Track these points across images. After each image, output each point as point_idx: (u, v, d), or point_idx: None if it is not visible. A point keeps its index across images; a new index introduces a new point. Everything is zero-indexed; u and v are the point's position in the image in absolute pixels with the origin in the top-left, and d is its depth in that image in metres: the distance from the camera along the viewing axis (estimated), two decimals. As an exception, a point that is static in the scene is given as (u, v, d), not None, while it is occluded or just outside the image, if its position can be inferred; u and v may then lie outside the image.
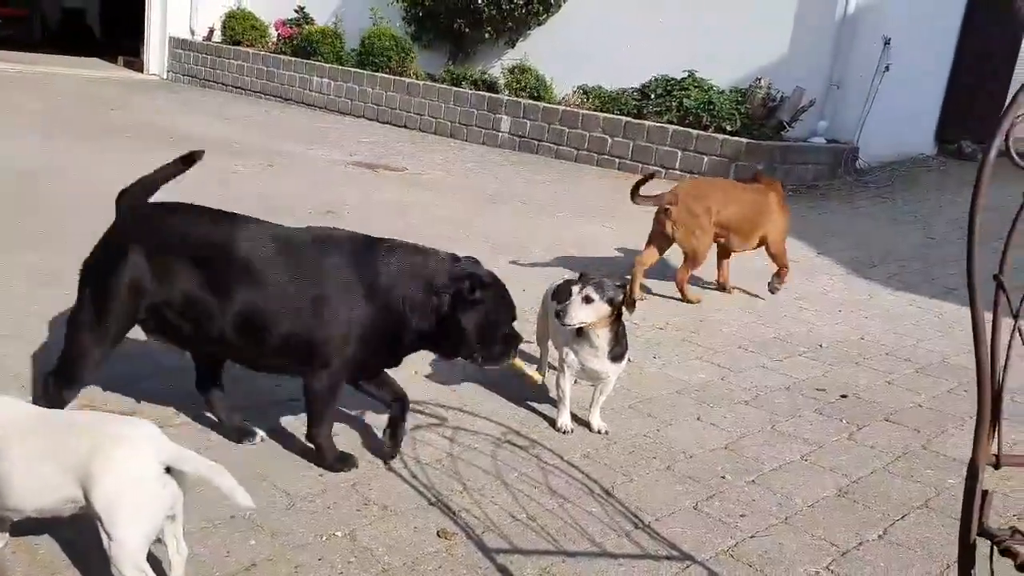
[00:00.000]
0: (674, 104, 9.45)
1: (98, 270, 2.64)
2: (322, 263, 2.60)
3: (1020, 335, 1.57)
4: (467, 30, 11.50)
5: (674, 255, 5.24)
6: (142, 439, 1.84)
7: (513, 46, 11.54)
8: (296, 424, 3.00)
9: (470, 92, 10.94)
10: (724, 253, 5.37)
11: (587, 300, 2.98)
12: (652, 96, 9.73)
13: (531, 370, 3.07)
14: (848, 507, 2.85)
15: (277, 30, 13.48)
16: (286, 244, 2.63)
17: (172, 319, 2.64)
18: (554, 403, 3.29)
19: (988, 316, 1.53)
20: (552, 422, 3.24)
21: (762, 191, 5.23)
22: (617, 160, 9.63)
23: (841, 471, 3.11)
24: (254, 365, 2.80)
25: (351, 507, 2.53)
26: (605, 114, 9.85)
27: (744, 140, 8.81)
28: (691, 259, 5.05)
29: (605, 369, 3.15)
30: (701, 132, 9.10)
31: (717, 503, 2.79)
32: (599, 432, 3.23)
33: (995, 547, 1.49)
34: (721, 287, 5.43)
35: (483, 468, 2.84)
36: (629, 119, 9.62)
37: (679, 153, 9.21)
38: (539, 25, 11.34)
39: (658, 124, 9.39)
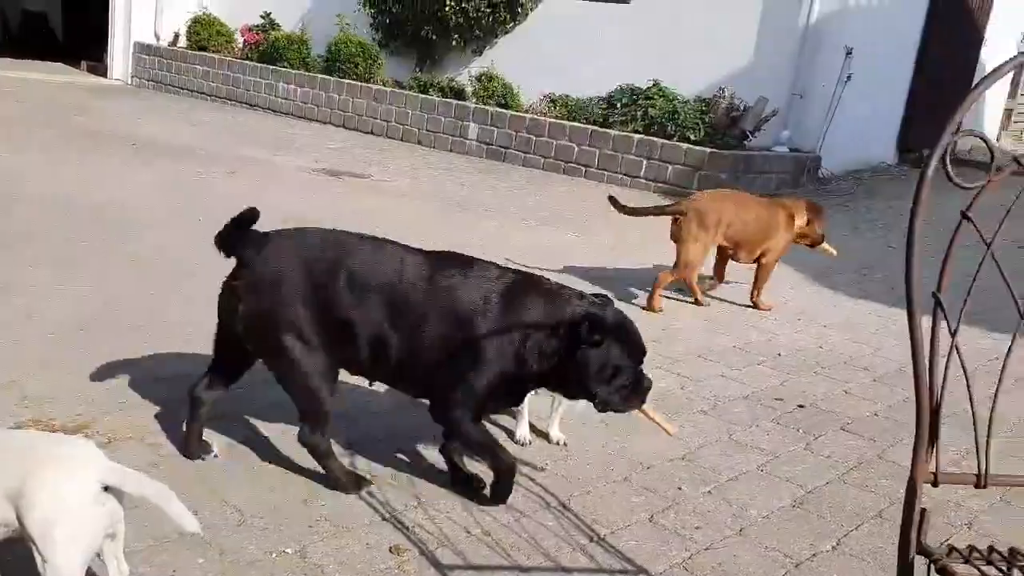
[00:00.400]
0: (639, 113, 9.52)
1: (280, 314, 2.59)
2: (454, 297, 2.57)
3: (957, 352, 1.59)
4: (435, 37, 11.50)
5: (661, 260, 5.26)
6: (79, 459, 1.80)
7: (480, 54, 11.56)
8: (253, 438, 2.97)
9: (438, 99, 10.93)
10: (725, 258, 5.47)
11: None
12: (618, 105, 9.79)
13: (661, 418, 2.79)
14: (803, 517, 2.87)
15: (243, 36, 13.39)
16: (421, 271, 2.61)
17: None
18: (513, 415, 3.28)
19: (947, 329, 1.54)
20: (511, 434, 3.23)
21: (773, 207, 5.31)
22: (584, 168, 9.66)
23: (797, 481, 3.13)
24: (374, 377, 2.81)
25: (303, 524, 2.50)
26: (572, 123, 9.89)
27: (708, 149, 8.88)
28: (681, 267, 5.12)
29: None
30: (666, 141, 9.16)
31: (673, 515, 2.79)
32: (557, 444, 3.22)
33: (932, 565, 1.50)
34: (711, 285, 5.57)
35: (439, 482, 2.82)
36: (595, 128, 9.66)
37: (644, 162, 9.26)
38: (506, 33, 11.36)
39: (624, 133, 9.44)
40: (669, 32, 9.90)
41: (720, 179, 8.66)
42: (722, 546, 2.63)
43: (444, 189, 8.37)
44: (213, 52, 13.43)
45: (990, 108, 12.96)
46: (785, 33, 9.29)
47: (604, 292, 2.91)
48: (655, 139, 9.23)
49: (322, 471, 2.73)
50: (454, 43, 11.45)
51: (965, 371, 1.56)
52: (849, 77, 9.18)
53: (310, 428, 2.64)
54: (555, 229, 7.07)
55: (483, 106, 10.57)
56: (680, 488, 2.98)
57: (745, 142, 9.20)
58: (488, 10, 10.95)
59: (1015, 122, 14.23)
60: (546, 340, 2.54)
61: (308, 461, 2.83)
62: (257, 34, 13.17)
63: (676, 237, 5.15)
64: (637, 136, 9.34)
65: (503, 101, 10.66)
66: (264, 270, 2.58)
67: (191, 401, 2.79)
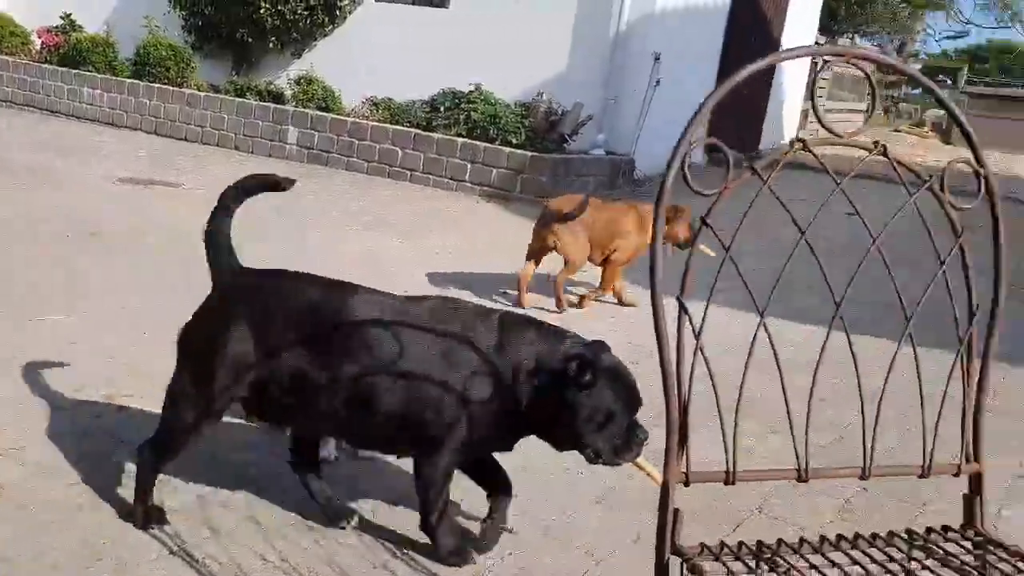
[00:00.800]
0: (462, 117, 9.59)
1: (200, 341, 2.48)
2: (436, 339, 2.41)
3: (702, 354, 1.69)
4: (250, 40, 11.16)
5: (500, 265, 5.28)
6: None
7: (299, 56, 11.31)
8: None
9: (255, 103, 10.61)
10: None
11: None
12: (441, 109, 9.82)
13: (651, 467, 2.58)
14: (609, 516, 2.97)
15: (40, 38, 12.51)
16: (400, 316, 2.45)
17: (276, 395, 2.47)
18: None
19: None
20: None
21: (626, 210, 5.50)
22: (409, 172, 9.63)
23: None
24: (362, 443, 2.70)
25: (79, 565, 2.36)
26: (395, 126, 9.83)
27: (529, 153, 9.05)
28: (572, 266, 5.34)
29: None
30: (489, 145, 9.27)
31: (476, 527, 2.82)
32: (362, 459, 3.19)
33: (684, 564, 1.58)
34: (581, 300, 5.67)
35: (236, 510, 2.73)
36: (418, 131, 9.65)
37: (468, 166, 9.34)
38: (325, 36, 11.17)
39: (447, 137, 9.48)
40: (488, 37, 10.01)
41: (541, 182, 8.86)
42: (531, 551, 2.68)
43: (261, 197, 8.10)
44: (7, 54, 12.48)
45: (788, 111, 13.90)
46: (597, 40, 9.60)
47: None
48: (478, 143, 9.33)
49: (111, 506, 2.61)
50: (271, 46, 11.15)
51: (710, 372, 1.66)
52: (658, 82, 9.60)
53: (150, 448, 2.55)
54: (380, 235, 7.01)
55: (303, 110, 10.35)
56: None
57: (565, 146, 9.44)
58: (305, 12, 10.73)
59: (811, 122, 15.34)
60: (531, 381, 2.39)
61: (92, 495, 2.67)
62: (56, 36, 12.34)
63: (545, 240, 5.28)
64: (460, 140, 9.40)
65: (324, 104, 10.47)
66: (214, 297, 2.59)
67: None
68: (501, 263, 6.13)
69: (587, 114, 9.36)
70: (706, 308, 1.74)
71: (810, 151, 1.79)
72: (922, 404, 1.81)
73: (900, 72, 1.96)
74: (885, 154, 1.81)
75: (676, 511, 1.63)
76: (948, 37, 35.74)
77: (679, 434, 1.65)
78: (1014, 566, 1.69)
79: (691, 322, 1.67)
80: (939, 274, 1.79)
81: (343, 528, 2.66)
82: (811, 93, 13.77)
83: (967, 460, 1.84)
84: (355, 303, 2.48)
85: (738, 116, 10.60)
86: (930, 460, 1.80)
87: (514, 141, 9.25)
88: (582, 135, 9.47)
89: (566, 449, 2.52)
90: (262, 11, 10.65)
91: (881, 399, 1.78)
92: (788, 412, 1.77)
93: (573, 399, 2.35)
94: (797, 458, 1.73)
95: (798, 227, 1.75)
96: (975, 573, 1.64)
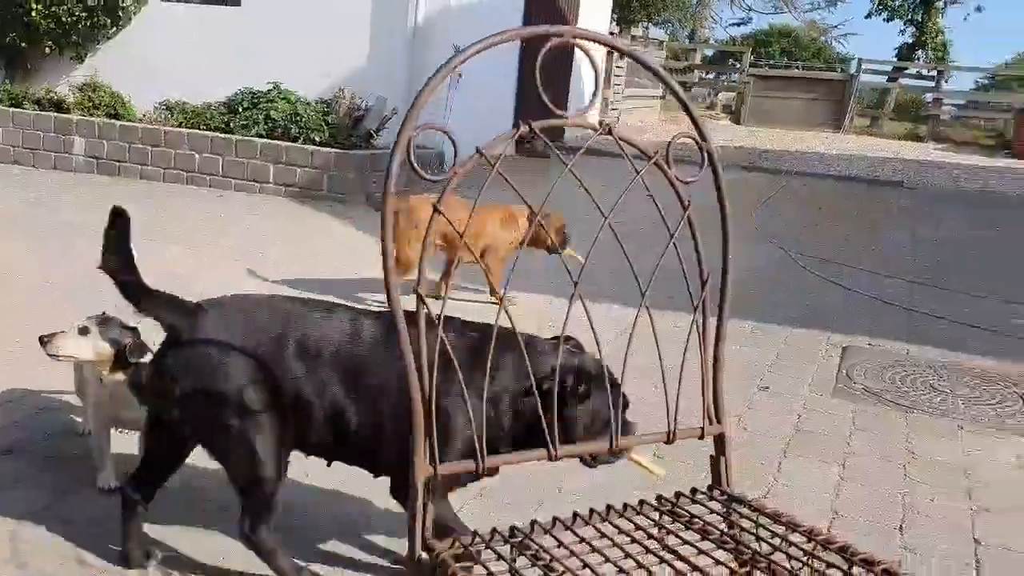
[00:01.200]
0: (262, 117, 9.28)
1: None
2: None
3: (445, 345, 1.67)
4: (24, 44, 10.33)
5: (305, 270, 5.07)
6: None
7: (82, 61, 10.60)
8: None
9: (34, 113, 9.82)
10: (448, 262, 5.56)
11: (83, 331, 2.77)
12: (239, 110, 9.47)
13: (648, 461, 2.49)
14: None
15: None
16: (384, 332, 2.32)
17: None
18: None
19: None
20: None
21: (489, 211, 5.42)
22: (208, 177, 9.22)
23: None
24: (333, 457, 2.48)
25: None
26: (191, 130, 9.38)
27: (334, 151, 8.87)
28: (404, 264, 5.22)
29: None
30: (291, 144, 9.02)
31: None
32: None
33: (432, 559, 1.56)
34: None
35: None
36: (216, 134, 9.26)
37: (271, 167, 9.04)
38: (109, 39, 10.52)
39: (247, 138, 9.14)
40: (285, 34, 9.77)
41: (349, 180, 8.71)
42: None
43: (43, 214, 7.54)
44: None
45: (590, 91, 14.32)
46: (395, 33, 9.54)
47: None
48: (280, 143, 9.05)
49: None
50: (48, 50, 10.37)
51: (434, 369, 1.63)
52: (460, 75, 9.62)
53: (252, 522, 2.31)
54: (182, 246, 6.65)
55: (89, 118, 9.68)
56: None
57: (372, 141, 9.31)
58: (84, 14, 10.04)
59: (611, 110, 15.94)
60: (527, 395, 2.23)
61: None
62: None
63: (407, 240, 5.19)
64: (261, 141, 9.10)
65: (113, 111, 9.84)
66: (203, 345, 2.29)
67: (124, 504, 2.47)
68: (324, 267, 5.98)
69: (392, 108, 9.27)
70: (443, 305, 1.71)
71: (540, 136, 1.81)
72: (663, 373, 1.87)
73: (630, 56, 2.03)
74: (611, 133, 1.85)
75: (425, 507, 1.60)
76: (733, 24, 38.07)
77: (424, 431, 1.62)
78: (755, 521, 1.77)
79: (431, 315, 1.64)
80: (669, 246, 1.85)
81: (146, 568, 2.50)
82: (607, 80, 14.21)
83: (710, 422, 1.91)
84: (336, 320, 2.40)
85: (542, 104, 10.81)
86: (674, 426, 1.86)
87: (318, 139, 9.04)
88: (388, 130, 9.37)
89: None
90: (34, 13, 9.88)
91: (623, 371, 1.82)
92: (538, 396, 1.79)
93: (572, 413, 2.26)
94: (547, 441, 1.74)
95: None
96: (716, 532, 1.70)
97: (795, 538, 1.67)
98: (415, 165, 1.66)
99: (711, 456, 1.94)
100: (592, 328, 1.85)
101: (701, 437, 1.90)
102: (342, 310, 2.45)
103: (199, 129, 9.40)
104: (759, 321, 5.53)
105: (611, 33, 14.97)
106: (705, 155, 1.92)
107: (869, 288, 6.70)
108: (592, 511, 1.76)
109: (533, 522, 1.71)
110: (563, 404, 2.22)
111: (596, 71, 1.98)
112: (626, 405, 2.39)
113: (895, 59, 27.14)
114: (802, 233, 8.80)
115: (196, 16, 10.15)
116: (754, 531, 1.72)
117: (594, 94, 1.97)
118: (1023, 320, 6.10)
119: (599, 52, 13.44)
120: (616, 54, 12.04)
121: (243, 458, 2.30)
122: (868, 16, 27.82)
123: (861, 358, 4.94)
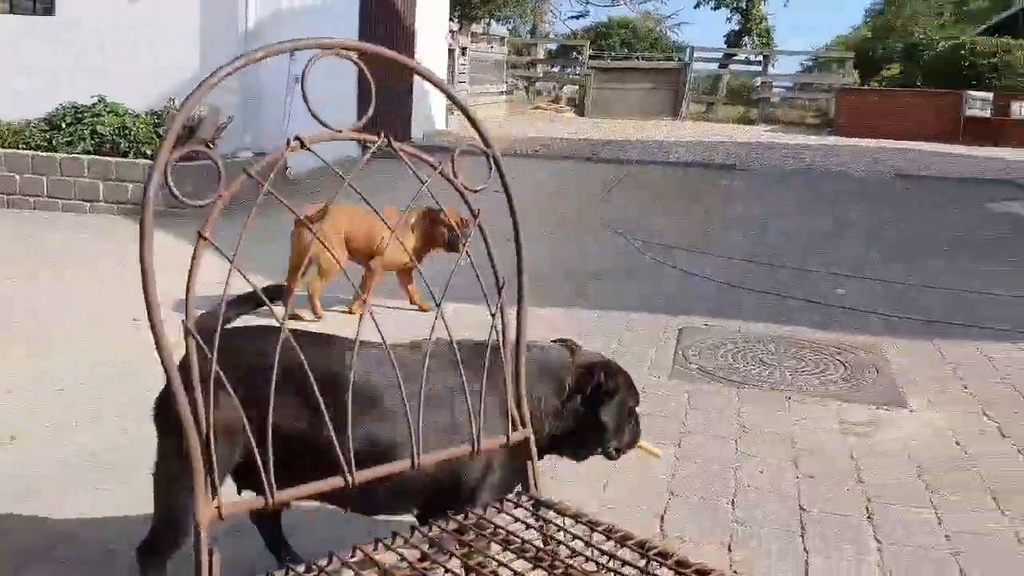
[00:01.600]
0: (87, 132, 8.80)
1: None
2: (446, 377, 2.09)
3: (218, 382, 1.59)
4: None
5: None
6: None
7: None
8: None
9: None
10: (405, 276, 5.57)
11: None
12: (62, 126, 8.94)
13: (649, 444, 2.66)
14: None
15: None
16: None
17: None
18: None
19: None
20: None
21: (385, 216, 5.21)
22: (32, 199, 8.67)
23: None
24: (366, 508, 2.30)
25: None
26: (8, 150, 8.79)
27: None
28: (325, 272, 5.25)
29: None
30: (121, 159, 8.60)
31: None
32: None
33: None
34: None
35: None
36: (38, 153, 8.72)
37: (101, 184, 8.59)
38: (-92, 54, 9.72)
39: (72, 156, 8.65)
40: (107, 43, 9.30)
41: (188, 192, 8.33)
42: None
43: None
44: None
45: (436, 97, 14.30)
46: (226, 40, 9.21)
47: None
48: (109, 158, 8.61)
49: None
50: None
51: (209, 409, 1.56)
52: (297, 79, 9.40)
53: (145, 551, 2.21)
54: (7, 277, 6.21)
55: None
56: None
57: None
58: None
59: (457, 113, 15.92)
60: (561, 400, 2.32)
61: None
62: None
63: (301, 251, 5.18)
64: (87, 157, 8.62)
65: (-82, 134, 9.11)
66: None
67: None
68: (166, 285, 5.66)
69: (226, 116, 8.96)
70: (217, 333, 1.64)
71: (308, 148, 1.77)
72: (464, 386, 1.85)
73: (395, 61, 2.01)
74: (391, 146, 1.82)
75: (211, 550, 1.53)
76: (572, 17, 38.79)
77: (205, 470, 1.54)
78: (560, 525, 1.78)
79: (205, 349, 1.56)
80: (462, 257, 1.84)
81: None
82: (450, 80, 14.18)
83: (514, 428, 1.92)
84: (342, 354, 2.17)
85: (390, 110, 10.74)
86: (477, 437, 1.85)
87: (149, 152, 8.64)
88: (224, 139, 9.06)
89: (583, 458, 2.52)
90: None
91: (421, 393, 1.79)
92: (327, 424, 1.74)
93: (603, 408, 2.36)
94: (341, 469, 1.70)
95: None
96: (517, 540, 1.70)
97: (596, 538, 1.69)
98: (173, 188, 1.58)
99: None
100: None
101: (506, 445, 1.90)
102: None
103: (18, 148, 8.82)
104: (602, 310, 5.66)
105: (451, 31, 14.93)
106: (491, 160, 1.91)
107: (706, 270, 6.96)
108: (395, 534, 1.73)
109: (331, 552, 1.66)
110: (595, 403, 2.36)
111: (370, 82, 1.95)
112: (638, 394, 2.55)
113: (725, 46, 28.37)
114: (643, 221, 9.06)
115: (5, 26, 9.50)
116: (558, 535, 1.73)
117: (370, 105, 1.94)
118: (845, 291, 6.47)
119: (438, 54, 13.34)
120: (459, 53, 12.05)
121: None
122: (697, 6, 28.91)
123: (696, 338, 5.13)
